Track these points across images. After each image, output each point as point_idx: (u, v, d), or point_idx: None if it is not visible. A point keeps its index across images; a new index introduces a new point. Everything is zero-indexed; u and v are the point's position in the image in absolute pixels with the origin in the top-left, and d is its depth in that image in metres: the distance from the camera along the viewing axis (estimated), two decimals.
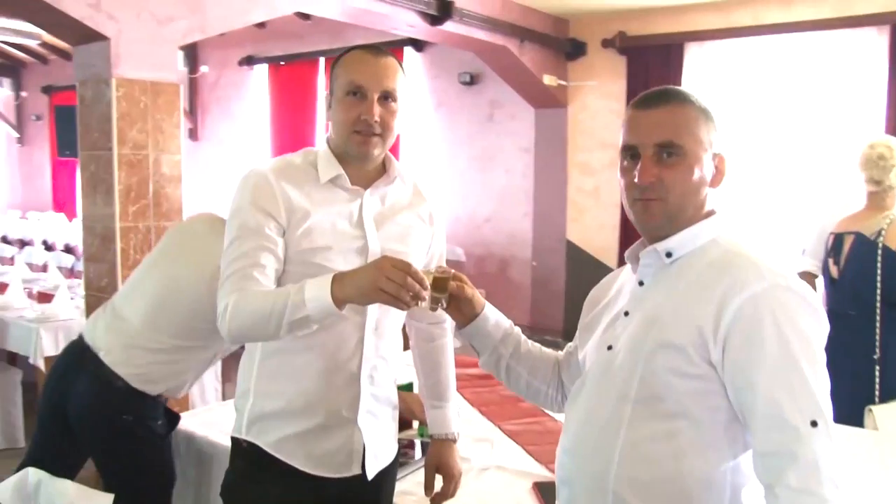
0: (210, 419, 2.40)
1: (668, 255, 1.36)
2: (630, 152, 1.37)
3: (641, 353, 1.31)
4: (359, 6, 4.97)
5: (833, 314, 3.54)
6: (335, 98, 1.69)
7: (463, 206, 7.99)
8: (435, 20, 5.43)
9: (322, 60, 8.50)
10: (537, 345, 1.69)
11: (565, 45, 6.95)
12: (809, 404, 1.19)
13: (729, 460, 1.29)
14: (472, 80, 7.73)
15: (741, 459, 1.30)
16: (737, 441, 1.29)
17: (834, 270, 3.51)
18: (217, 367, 4.39)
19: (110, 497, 1.70)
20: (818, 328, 1.26)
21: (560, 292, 7.35)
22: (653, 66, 6.54)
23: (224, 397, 4.39)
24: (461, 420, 2.49)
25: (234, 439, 1.75)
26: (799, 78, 5.99)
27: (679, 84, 6.42)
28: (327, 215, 1.67)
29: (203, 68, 9.87)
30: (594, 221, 7.15)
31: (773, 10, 6.01)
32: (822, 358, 1.25)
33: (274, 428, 1.69)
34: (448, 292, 1.55)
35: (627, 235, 6.79)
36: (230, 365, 4.80)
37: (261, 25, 8.86)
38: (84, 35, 3.56)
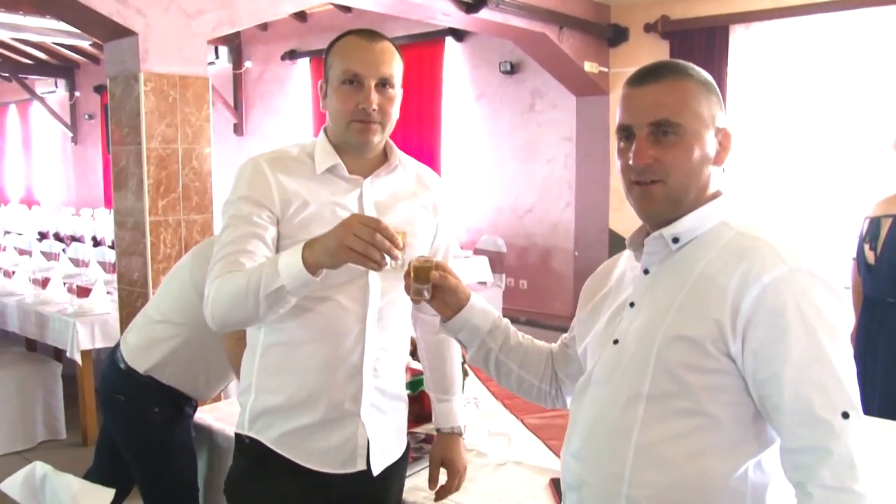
0: (227, 413, 2.39)
1: (675, 240, 1.27)
2: (625, 133, 1.29)
3: (653, 348, 1.22)
4: None
5: (870, 301, 3.43)
6: (331, 87, 1.64)
7: (505, 196, 7.91)
8: (470, 8, 5.37)
9: None
10: (528, 337, 1.62)
11: (606, 31, 6.81)
12: (840, 395, 1.12)
13: (750, 459, 1.21)
14: (513, 70, 7.63)
15: (763, 457, 1.22)
16: (759, 438, 1.21)
17: (871, 256, 3.36)
18: None
19: (111, 491, 1.69)
20: (843, 314, 1.18)
21: None
22: (697, 51, 6.36)
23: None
24: (482, 413, 2.45)
25: (237, 436, 1.72)
26: (853, 59, 5.75)
27: (725, 69, 6.25)
28: (325, 206, 1.62)
29: (247, 63, 9.96)
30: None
31: None
32: (849, 345, 1.17)
33: (276, 423, 1.65)
34: (431, 282, 1.48)
35: None
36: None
37: (303, 19, 8.93)
38: (113, 31, 3.59)
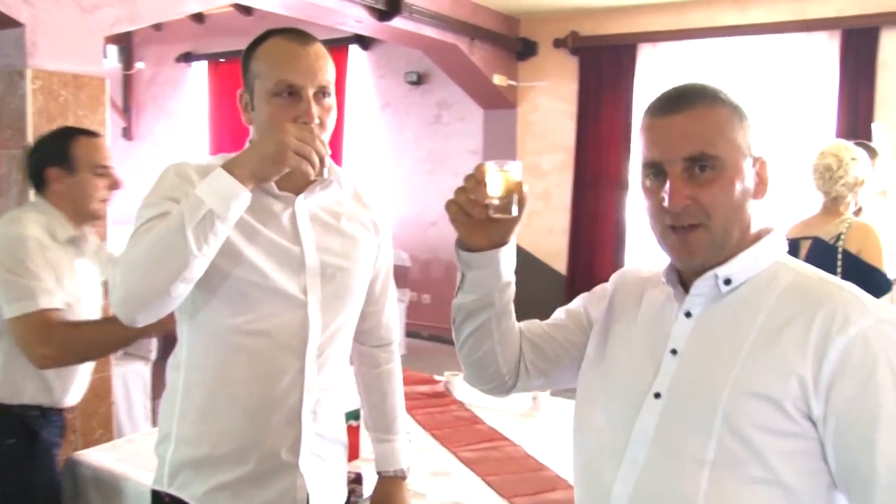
0: (130, 453, 2.12)
1: (727, 282, 1.12)
2: (653, 170, 1.12)
3: (717, 406, 1.05)
4: None
5: None
6: (258, 98, 1.45)
7: (409, 209, 7.75)
8: (383, 15, 5.20)
9: None
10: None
11: (516, 45, 6.78)
12: None
13: None
14: (420, 80, 7.51)
15: None
16: None
17: None
18: (145, 379, 4.08)
19: None
20: None
21: None
22: (605, 67, 6.42)
23: (154, 419, 4.07)
24: (413, 448, 2.28)
25: (154, 493, 1.50)
26: (752, 81, 5.91)
27: (631, 86, 6.32)
28: (253, 226, 1.43)
29: (138, 64, 9.44)
30: (543, 225, 6.99)
31: (728, 11, 5.93)
32: None
33: (201, 477, 1.44)
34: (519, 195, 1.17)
35: (577, 240, 6.66)
36: (161, 377, 4.49)
37: (199, 21, 8.53)
38: None
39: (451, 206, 1.18)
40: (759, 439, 1.02)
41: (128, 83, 9.55)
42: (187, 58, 8.88)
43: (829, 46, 5.65)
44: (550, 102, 6.88)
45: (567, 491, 2.07)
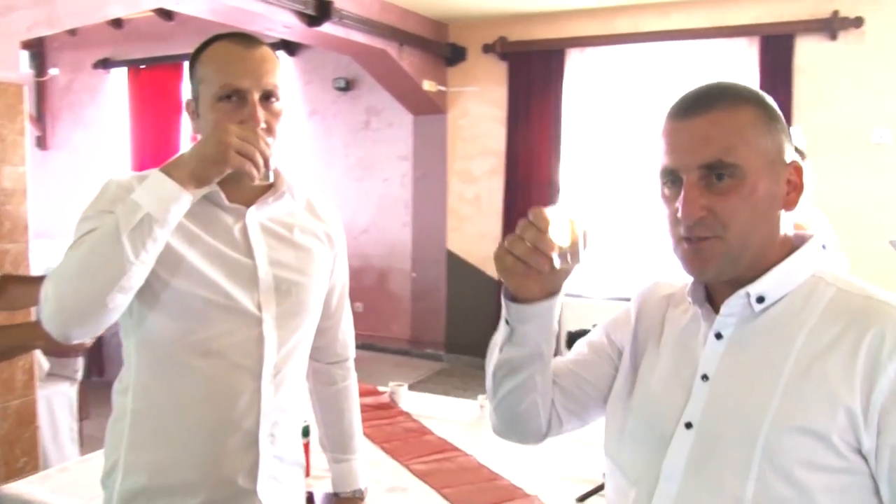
0: (64, 483, 2.00)
1: (760, 299, 1.03)
2: (670, 177, 1.05)
3: (757, 440, 0.96)
4: (230, 4, 4.60)
5: None
6: (204, 104, 1.38)
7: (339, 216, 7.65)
8: (313, 21, 5.12)
9: (186, 65, 7.94)
10: None
11: (445, 50, 6.77)
12: None
13: None
14: (348, 86, 7.42)
15: None
16: None
17: None
18: (72, 400, 3.89)
19: None
20: None
21: (441, 304, 7.15)
22: (534, 72, 6.46)
23: (82, 440, 3.89)
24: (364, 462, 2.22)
25: None
26: (677, 85, 6.04)
27: (560, 90, 6.38)
28: (202, 240, 1.37)
29: (53, 71, 9.07)
30: (475, 231, 7.00)
31: (652, 17, 6.04)
32: None
33: None
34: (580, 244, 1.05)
35: None
36: (88, 398, 4.30)
37: (118, 25, 8.25)
38: None
39: (504, 257, 1.03)
40: (805, 477, 0.94)
41: (41, 90, 9.16)
42: (105, 64, 8.57)
43: (748, 52, 5.82)
44: (480, 107, 6.89)
45: (524, 500, 2.05)
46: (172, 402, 1.37)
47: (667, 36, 6.00)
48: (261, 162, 1.26)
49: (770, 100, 1.05)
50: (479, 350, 6.18)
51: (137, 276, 1.23)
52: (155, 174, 1.24)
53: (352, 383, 1.70)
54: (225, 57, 1.38)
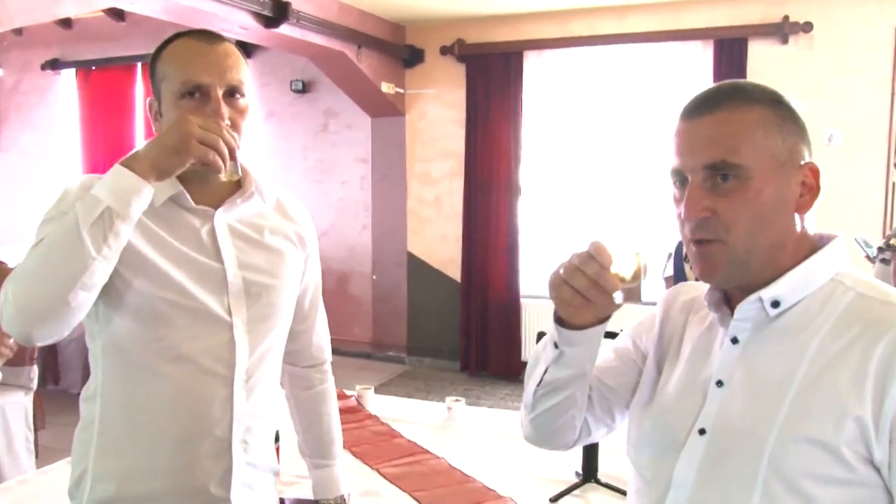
0: (27, 496, 1.94)
1: (775, 304, 1.00)
2: (678, 178, 1.03)
3: (764, 450, 0.94)
4: (184, 3, 4.53)
5: None
6: (166, 102, 1.35)
7: None
8: (270, 22, 5.06)
9: (140, 66, 7.81)
10: None
11: (402, 52, 6.75)
12: None
13: None
14: (305, 88, 7.37)
15: None
16: None
17: (692, 275, 3.51)
18: (27, 410, 3.78)
19: None
20: None
21: (402, 307, 7.13)
22: (492, 74, 6.48)
23: (38, 451, 3.79)
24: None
25: None
26: (633, 88, 6.13)
27: (518, 92, 6.40)
28: (168, 244, 1.33)
29: None
30: (436, 233, 6.99)
31: (608, 20, 6.10)
32: None
33: None
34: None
35: (470, 247, 6.69)
36: (44, 407, 4.19)
37: (67, 25, 8.07)
38: None
39: (562, 288, 1.00)
40: (813, 489, 0.91)
41: None
42: (54, 65, 8.37)
43: (703, 55, 5.91)
44: (439, 109, 6.89)
45: (498, 501, 2.04)
46: (142, 409, 1.34)
47: (623, 39, 6.06)
48: (226, 152, 1.22)
49: (786, 100, 1.02)
50: (441, 352, 6.28)
51: (100, 272, 1.19)
52: (115, 168, 1.20)
53: (329, 386, 1.68)
54: (186, 53, 1.34)
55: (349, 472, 2.17)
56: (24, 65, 8.66)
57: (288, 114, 7.54)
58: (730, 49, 5.80)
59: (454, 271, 6.83)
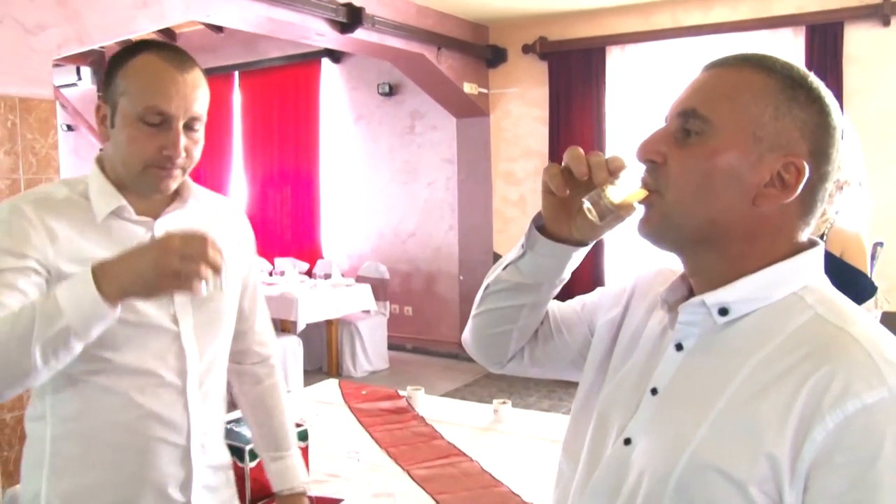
0: None
1: (723, 311, 0.88)
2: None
3: (672, 473, 0.84)
4: (262, 14, 4.66)
5: None
6: (122, 117, 1.31)
7: (386, 221, 7.71)
8: (345, 28, 5.16)
9: (237, 74, 8.14)
10: None
11: (485, 52, 6.75)
12: None
13: None
14: (392, 91, 7.47)
15: None
16: None
17: None
18: None
19: None
20: None
21: None
22: (575, 71, 6.39)
23: None
24: (360, 467, 2.21)
25: None
26: None
27: (601, 88, 6.29)
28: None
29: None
30: (521, 232, 6.63)
31: (693, 12, 5.92)
32: None
33: None
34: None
35: None
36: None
37: (171, 39, 8.47)
38: None
39: (552, 166, 0.99)
40: None
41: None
42: None
43: (794, 43, 5.64)
44: (522, 108, 6.85)
45: None
46: (97, 426, 1.33)
47: (708, 30, 5.86)
48: (208, 274, 1.10)
49: (814, 87, 0.88)
50: None
51: (43, 377, 1.15)
52: (85, 278, 1.10)
53: (278, 380, 1.68)
54: (154, 76, 1.31)
55: (374, 473, 2.21)
56: None
57: (376, 116, 7.67)
58: (823, 35, 5.50)
59: None
